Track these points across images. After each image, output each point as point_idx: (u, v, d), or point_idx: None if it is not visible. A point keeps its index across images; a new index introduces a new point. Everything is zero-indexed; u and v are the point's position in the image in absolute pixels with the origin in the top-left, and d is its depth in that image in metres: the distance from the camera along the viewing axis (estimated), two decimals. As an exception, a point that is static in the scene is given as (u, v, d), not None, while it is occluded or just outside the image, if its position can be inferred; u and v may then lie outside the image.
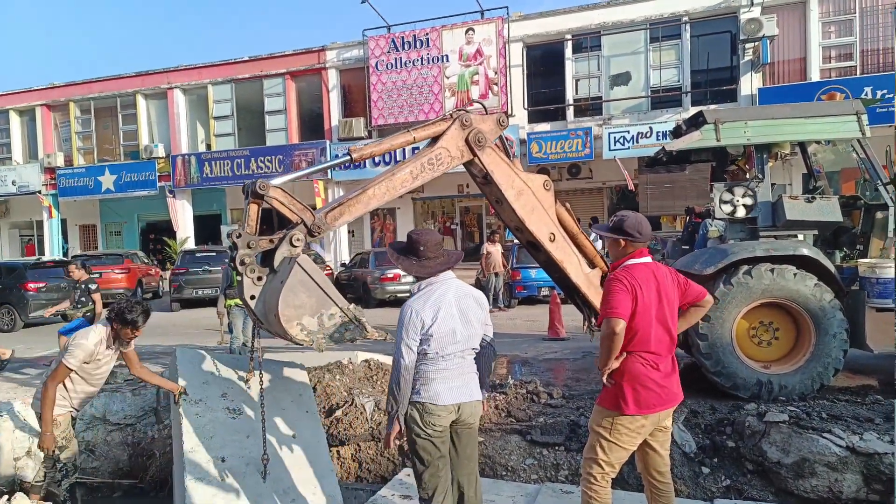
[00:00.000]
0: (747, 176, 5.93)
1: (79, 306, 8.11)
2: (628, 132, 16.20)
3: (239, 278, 3.48)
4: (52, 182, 21.88)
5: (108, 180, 21.16)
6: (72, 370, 3.93)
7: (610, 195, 18.73)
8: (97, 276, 15.77)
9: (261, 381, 3.83)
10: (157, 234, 22.66)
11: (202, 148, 21.15)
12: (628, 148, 16.01)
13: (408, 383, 2.85)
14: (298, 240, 3.43)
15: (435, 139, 3.87)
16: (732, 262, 5.11)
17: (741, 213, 5.46)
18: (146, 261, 18.83)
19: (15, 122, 23.07)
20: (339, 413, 5.51)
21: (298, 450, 4.06)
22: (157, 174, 20.71)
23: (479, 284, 13.34)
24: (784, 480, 4.15)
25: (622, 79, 17.08)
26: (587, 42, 17.26)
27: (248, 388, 4.23)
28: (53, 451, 3.95)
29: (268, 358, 4.62)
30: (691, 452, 4.52)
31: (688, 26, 16.22)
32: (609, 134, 16.30)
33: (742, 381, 5.09)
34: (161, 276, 18.59)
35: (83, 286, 8.15)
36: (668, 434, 3.03)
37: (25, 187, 22.17)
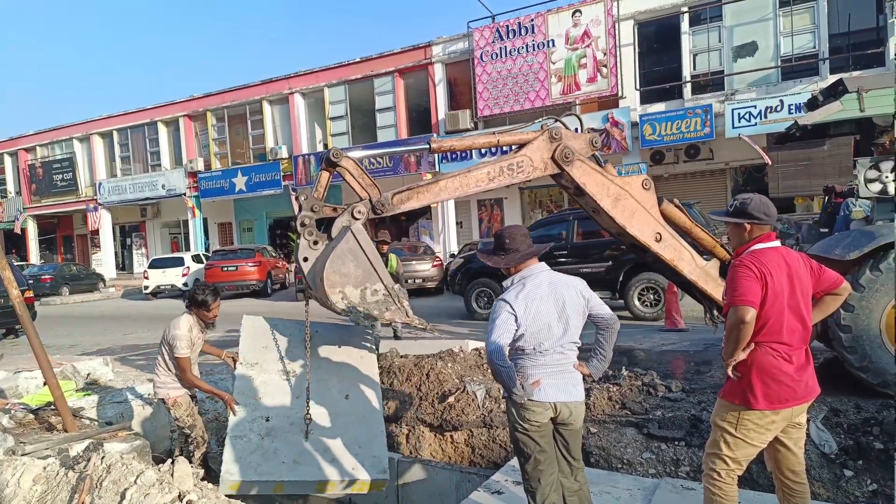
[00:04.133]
0: (899, 149, 5.26)
1: None
2: (755, 107, 14.92)
3: (298, 239, 3.55)
4: (195, 185, 24.38)
5: (240, 181, 23.19)
6: (188, 356, 4.24)
7: (734, 176, 17.39)
8: (233, 269, 17.46)
9: (307, 342, 3.88)
10: (283, 230, 24.48)
11: (320, 147, 22.47)
12: (755, 124, 14.77)
13: (509, 371, 2.74)
14: (360, 212, 3.48)
15: (521, 146, 3.79)
16: (881, 245, 4.57)
17: (891, 190, 4.86)
18: (274, 254, 20.39)
19: (163, 132, 25.95)
20: (451, 399, 5.66)
21: (350, 411, 4.05)
22: (282, 174, 22.33)
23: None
24: (947, 490, 3.67)
25: (747, 49, 15.75)
26: (706, 13, 16.12)
27: (309, 351, 4.22)
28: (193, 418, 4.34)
29: (336, 323, 4.59)
30: (832, 453, 4.13)
31: (825, -15, 14.60)
32: (733, 110, 15.13)
33: (894, 378, 4.55)
34: (287, 268, 20.07)
35: None
36: (802, 431, 2.80)
37: (173, 190, 24.91)
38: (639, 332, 8.57)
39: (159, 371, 4.51)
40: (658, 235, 3.93)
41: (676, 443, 4.52)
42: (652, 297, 9.80)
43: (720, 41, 16.00)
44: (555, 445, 2.97)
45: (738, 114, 15.06)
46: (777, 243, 2.73)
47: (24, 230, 29.68)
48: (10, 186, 30.75)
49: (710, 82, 16.43)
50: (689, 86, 16.46)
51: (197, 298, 4.28)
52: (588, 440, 4.60)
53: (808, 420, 2.99)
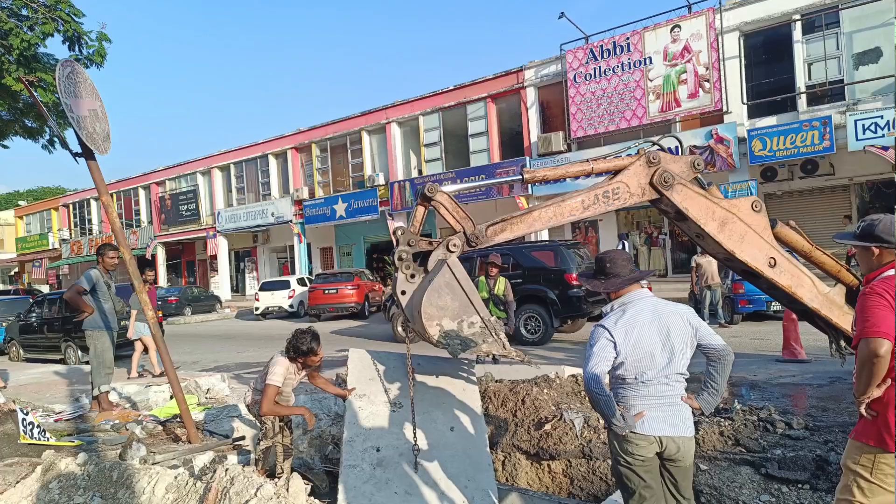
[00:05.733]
0: None
1: None
2: (881, 117, 13.62)
3: (395, 273, 3.63)
4: (300, 212, 25.96)
5: (340, 208, 24.40)
6: (278, 386, 4.15)
7: (860, 193, 15.87)
8: (334, 291, 18.31)
9: (411, 374, 3.95)
10: (379, 254, 25.38)
11: (415, 174, 23.19)
12: (882, 136, 13.46)
13: (607, 400, 2.65)
14: (455, 245, 3.53)
15: (616, 172, 3.71)
16: None
17: None
18: (371, 278, 21.13)
19: (272, 163, 27.95)
20: (548, 427, 5.55)
21: (456, 443, 4.05)
22: (379, 200, 23.24)
23: (695, 299, 12.36)
24: None
25: (869, 56, 14.47)
26: (821, 20, 15.02)
27: (413, 383, 4.25)
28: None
29: (437, 356, 4.63)
30: None
31: (964, -21, 13.16)
32: (856, 121, 13.90)
33: None
34: (383, 291, 20.69)
35: None
36: (954, 481, 2.48)
37: (281, 218, 26.67)
38: (753, 363, 7.96)
39: (249, 389, 4.66)
40: (772, 260, 3.68)
41: (800, 486, 4.13)
42: (534, 325, 11.23)
43: (838, 48, 14.82)
44: (662, 482, 2.83)
45: (863, 125, 13.79)
46: (915, 269, 2.48)
47: (154, 256, 32.92)
48: (143, 216, 34.33)
49: (828, 93, 15.22)
50: (803, 97, 15.33)
51: (302, 349, 4.11)
52: (698, 477, 4.32)
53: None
